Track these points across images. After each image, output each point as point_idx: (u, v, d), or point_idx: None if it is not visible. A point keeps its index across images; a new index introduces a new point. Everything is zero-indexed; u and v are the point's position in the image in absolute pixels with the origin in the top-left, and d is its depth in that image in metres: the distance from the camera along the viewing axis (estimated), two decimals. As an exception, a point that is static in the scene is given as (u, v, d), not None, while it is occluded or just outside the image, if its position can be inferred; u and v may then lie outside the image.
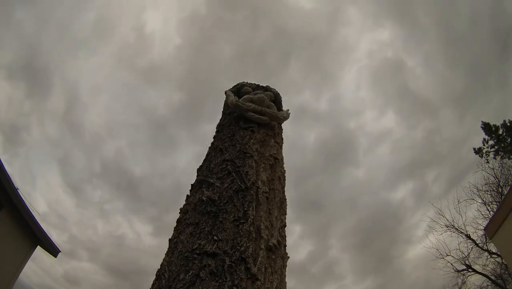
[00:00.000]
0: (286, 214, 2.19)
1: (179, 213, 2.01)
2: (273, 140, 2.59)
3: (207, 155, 2.46)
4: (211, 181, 2.02)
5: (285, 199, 2.28)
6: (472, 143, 22.77)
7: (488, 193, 14.79)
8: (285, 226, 2.07)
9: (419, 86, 31.46)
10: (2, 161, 7.72)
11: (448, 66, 31.05)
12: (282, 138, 2.87)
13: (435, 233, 14.51)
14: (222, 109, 3.05)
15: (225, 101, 3.07)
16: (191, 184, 2.19)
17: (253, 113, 2.62)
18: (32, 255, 9.01)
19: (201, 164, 2.38)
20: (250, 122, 2.59)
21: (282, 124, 2.99)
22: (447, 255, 13.85)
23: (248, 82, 3.25)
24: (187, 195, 2.11)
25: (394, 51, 34.32)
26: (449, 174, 24.22)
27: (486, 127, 18.97)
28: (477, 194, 14.72)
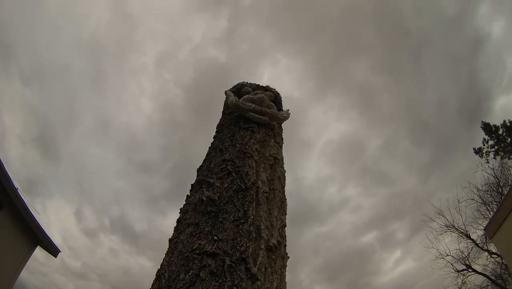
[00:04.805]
0: (286, 214, 2.18)
1: (179, 213, 2.00)
2: (273, 140, 2.59)
3: (207, 155, 2.46)
4: (211, 181, 2.02)
5: (285, 199, 2.28)
6: (438, 199, 23.94)
7: (488, 193, 14.79)
8: (285, 226, 2.07)
9: (381, 163, 33.21)
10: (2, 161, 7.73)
11: (413, 144, 32.53)
12: (282, 138, 2.87)
13: (435, 233, 14.52)
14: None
15: (225, 101, 3.06)
16: (191, 184, 2.19)
17: (253, 113, 2.61)
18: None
19: (201, 164, 2.38)
20: (250, 122, 2.59)
21: (282, 125, 2.99)
22: (447, 255, 13.86)
23: (248, 82, 3.25)
24: (187, 195, 2.10)
25: (357, 136, 36.80)
26: (412, 222, 25.23)
27: (486, 127, 18.95)
28: (477, 194, 14.72)
